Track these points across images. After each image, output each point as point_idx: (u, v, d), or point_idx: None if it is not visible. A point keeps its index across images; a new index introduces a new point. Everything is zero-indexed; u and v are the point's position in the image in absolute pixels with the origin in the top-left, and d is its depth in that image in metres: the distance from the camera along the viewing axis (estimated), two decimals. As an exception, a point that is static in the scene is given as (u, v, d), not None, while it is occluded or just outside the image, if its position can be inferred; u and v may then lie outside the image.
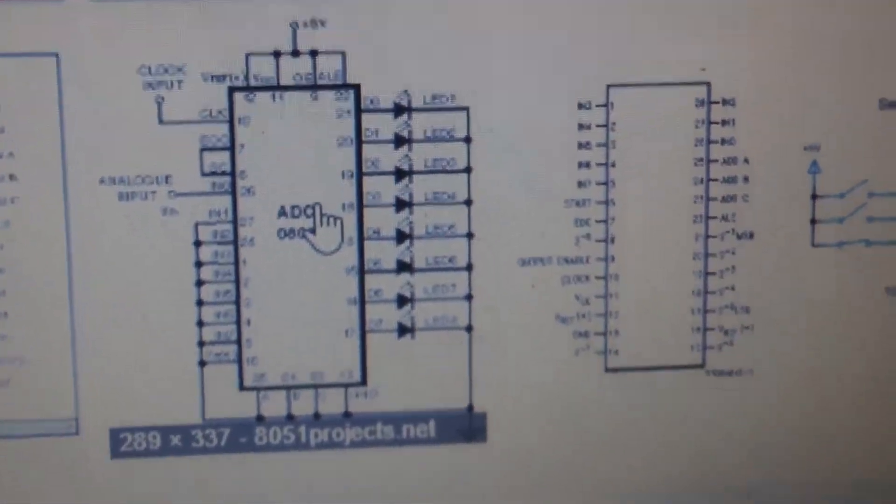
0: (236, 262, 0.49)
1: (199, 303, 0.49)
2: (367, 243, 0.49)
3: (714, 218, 0.50)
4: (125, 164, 0.48)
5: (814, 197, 0.50)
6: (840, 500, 0.53)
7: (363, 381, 0.50)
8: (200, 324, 0.49)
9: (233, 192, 0.48)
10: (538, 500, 0.52)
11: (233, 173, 0.48)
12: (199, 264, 0.49)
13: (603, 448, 0.52)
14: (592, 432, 0.52)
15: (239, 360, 0.50)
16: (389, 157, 0.48)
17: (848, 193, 0.50)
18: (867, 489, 0.53)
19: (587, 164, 0.49)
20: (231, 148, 0.48)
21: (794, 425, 0.52)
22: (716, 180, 0.50)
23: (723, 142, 0.49)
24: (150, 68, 0.47)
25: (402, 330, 0.50)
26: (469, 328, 0.50)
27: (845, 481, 0.53)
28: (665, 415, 0.52)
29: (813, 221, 0.50)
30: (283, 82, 0.48)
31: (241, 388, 0.50)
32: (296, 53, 0.47)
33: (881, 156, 0.50)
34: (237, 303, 0.49)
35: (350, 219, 0.49)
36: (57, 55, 0.47)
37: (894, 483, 0.53)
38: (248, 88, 0.48)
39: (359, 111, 0.48)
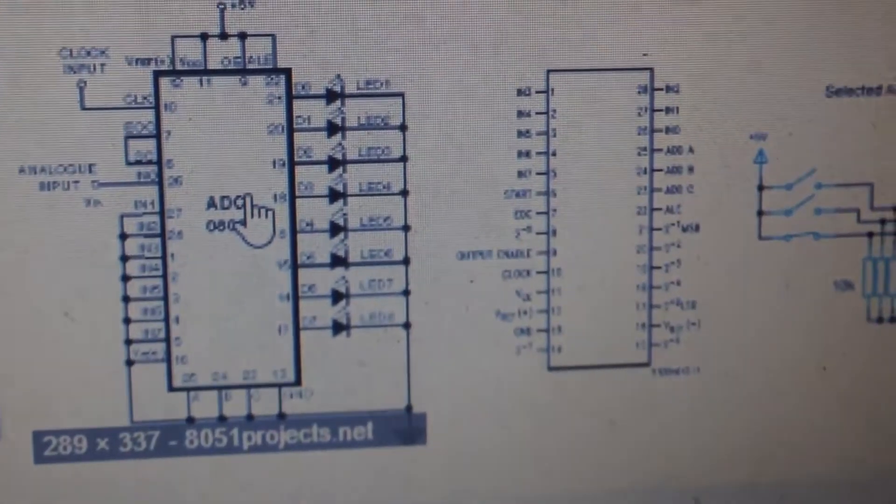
0: (164, 256, 0.48)
1: (126, 299, 0.48)
2: (299, 236, 0.48)
3: (658, 209, 0.49)
4: (46, 152, 0.46)
5: (760, 188, 0.49)
6: (793, 500, 0.51)
7: (297, 381, 0.49)
8: (127, 321, 0.48)
9: (159, 182, 0.47)
10: (481, 505, 0.50)
11: (159, 162, 0.47)
12: (124, 258, 0.48)
13: (546, 450, 0.50)
14: (536, 433, 0.50)
15: (168, 360, 0.48)
16: (322, 146, 0.47)
17: (795, 184, 0.49)
18: (821, 486, 0.52)
19: (527, 154, 0.48)
20: (157, 135, 0.47)
21: (744, 424, 0.51)
22: (660, 170, 0.49)
23: (667, 130, 0.48)
24: (71, 51, 0.46)
25: (338, 327, 0.48)
26: (407, 325, 0.49)
27: (797, 480, 0.52)
28: (610, 415, 0.50)
29: (760, 213, 0.49)
30: (211, 66, 0.47)
31: (171, 388, 0.49)
32: (224, 36, 0.46)
33: (829, 145, 0.49)
34: (165, 299, 0.48)
35: (282, 210, 0.48)
36: (-27, 36, 0.45)
37: (847, 479, 0.52)
38: (175, 73, 0.46)
39: (290, 97, 0.47)
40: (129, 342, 0.48)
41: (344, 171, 0.47)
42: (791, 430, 0.52)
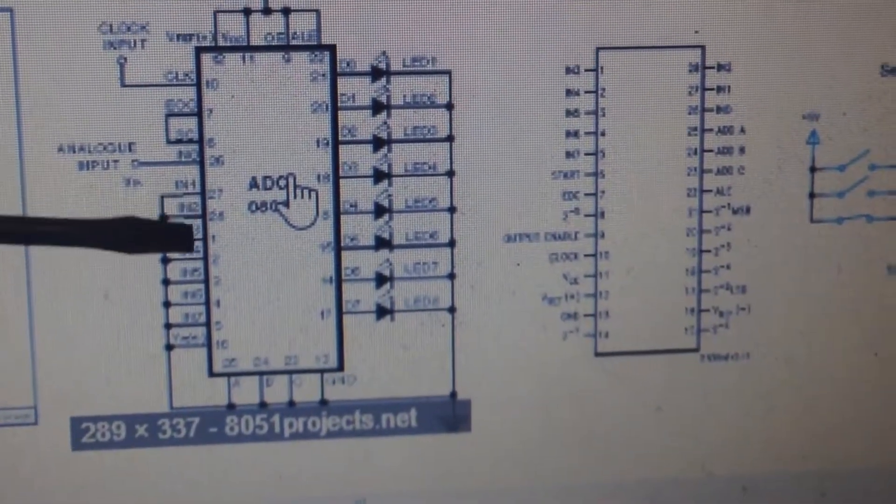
0: (205, 238, 0.47)
1: (165, 282, 0.47)
2: (343, 217, 0.47)
3: (709, 191, 0.48)
4: (85, 130, 0.45)
5: (812, 169, 0.48)
6: (839, 490, 0.50)
7: (340, 367, 0.48)
8: (167, 305, 0.47)
9: (201, 162, 0.46)
10: (525, 493, 0.50)
11: (200, 141, 0.46)
12: (164, 240, 0.46)
13: (592, 436, 0.49)
14: (581, 420, 0.49)
15: (208, 344, 0.48)
16: (367, 125, 0.46)
17: (848, 166, 0.48)
18: (871, 476, 0.51)
19: (575, 134, 0.47)
20: (198, 113, 0.46)
21: (794, 412, 0.50)
22: (710, 151, 0.48)
23: (718, 110, 0.48)
24: (111, 26, 0.45)
25: (381, 311, 0.47)
26: (452, 309, 0.48)
27: (845, 470, 0.51)
28: (657, 401, 0.49)
29: (812, 195, 0.48)
30: (254, 42, 0.46)
31: (211, 374, 0.48)
32: (267, 11, 0.45)
33: (883, 125, 0.48)
34: (206, 282, 0.47)
35: (325, 191, 0.47)
36: (11, 10, 0.44)
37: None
38: (217, 49, 0.46)
39: (334, 74, 0.46)
40: (168, 326, 0.47)
41: (389, 150, 0.47)
42: (842, 417, 0.51)
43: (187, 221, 0.46)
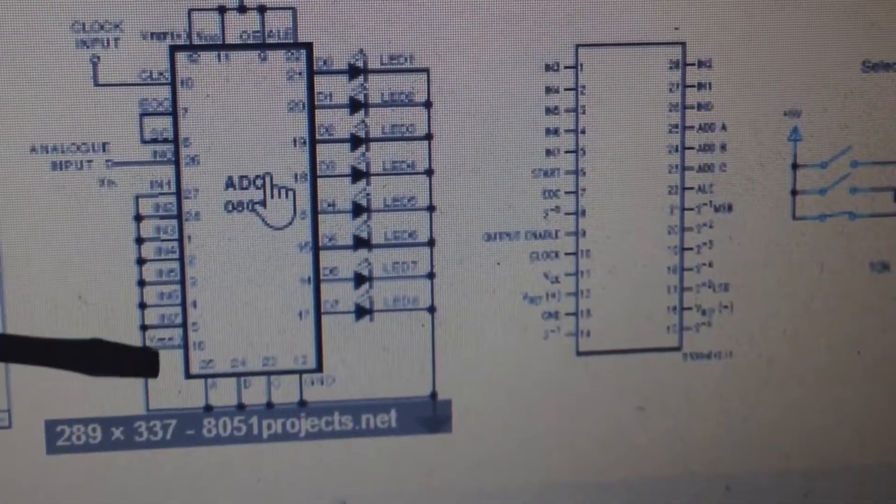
0: (180, 239, 0.46)
1: (141, 283, 0.46)
2: (321, 217, 0.47)
3: (690, 189, 0.48)
4: (58, 130, 0.45)
5: (794, 166, 0.48)
6: (823, 489, 0.50)
7: (319, 368, 0.48)
8: (142, 306, 0.47)
9: (176, 162, 0.46)
10: (506, 494, 0.49)
11: (175, 141, 0.45)
12: (139, 241, 0.46)
13: (574, 436, 0.49)
14: (563, 420, 0.49)
15: (185, 346, 0.47)
16: (344, 123, 0.46)
17: (830, 163, 0.48)
18: (854, 473, 0.51)
19: (555, 131, 0.47)
20: (173, 113, 0.45)
21: (777, 410, 0.50)
22: (692, 148, 0.47)
23: (699, 107, 0.47)
24: (84, 25, 0.45)
25: (360, 311, 0.47)
26: (431, 309, 0.48)
27: (830, 466, 0.51)
28: (639, 401, 0.49)
29: (794, 193, 0.48)
30: (229, 41, 0.45)
31: (188, 375, 0.47)
32: (242, 9, 0.45)
33: (865, 122, 0.48)
34: (182, 283, 0.47)
35: (303, 190, 0.46)
36: (-18, 9, 0.43)
37: (883, 466, 0.51)
38: (192, 47, 0.45)
39: (311, 73, 0.45)
40: (144, 328, 0.47)
41: (367, 149, 0.46)
42: (825, 416, 0.50)
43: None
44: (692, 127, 0.48)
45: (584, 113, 0.47)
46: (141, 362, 0.38)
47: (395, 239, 0.47)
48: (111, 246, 0.46)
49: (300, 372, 0.48)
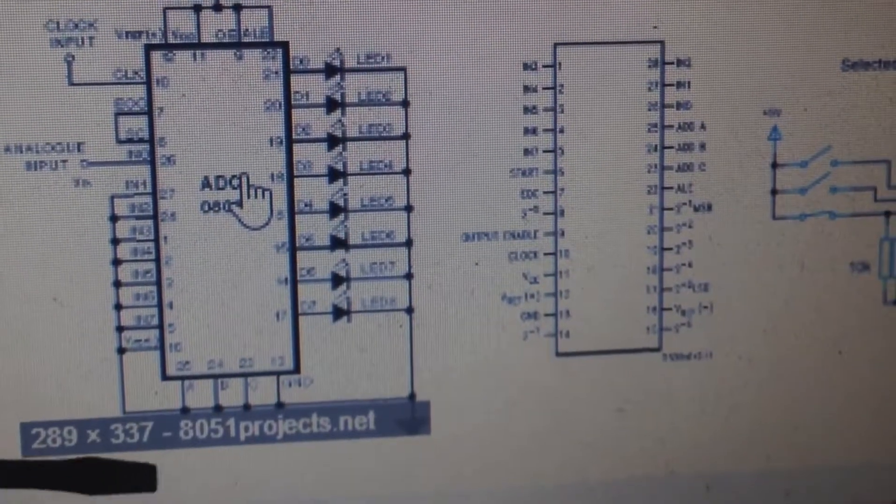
0: (156, 239, 0.46)
1: (117, 284, 0.46)
2: (298, 217, 0.46)
3: (669, 188, 0.47)
4: (32, 130, 0.45)
5: (774, 166, 0.48)
6: (803, 489, 0.50)
7: (296, 369, 0.48)
8: (118, 307, 0.46)
9: (151, 162, 0.45)
10: (486, 496, 0.49)
11: (151, 140, 0.45)
12: (115, 241, 0.46)
13: (554, 438, 0.49)
14: (543, 421, 0.49)
15: (161, 347, 0.47)
16: (321, 123, 0.46)
17: (810, 162, 0.48)
18: (835, 473, 0.51)
19: (534, 131, 0.46)
20: (149, 112, 0.45)
21: (757, 410, 0.50)
22: (671, 148, 0.47)
23: (678, 106, 0.47)
24: (58, 23, 0.44)
25: (338, 312, 0.47)
26: (409, 310, 0.47)
27: (811, 466, 0.50)
28: (619, 401, 0.49)
29: (774, 192, 0.48)
30: (205, 39, 0.45)
31: (164, 377, 0.47)
32: (218, 8, 0.45)
33: (844, 121, 0.48)
34: (158, 284, 0.46)
35: (279, 190, 0.46)
36: (-46, 8, 0.43)
37: (863, 466, 0.51)
38: (167, 46, 0.45)
39: (287, 72, 0.45)
40: (120, 329, 0.47)
41: (344, 149, 0.46)
42: (805, 415, 0.50)
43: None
44: (671, 126, 0.47)
45: (562, 112, 0.47)
46: (138, 477, 0.38)
47: (372, 239, 0.47)
48: (86, 247, 0.46)
49: (278, 373, 0.47)
